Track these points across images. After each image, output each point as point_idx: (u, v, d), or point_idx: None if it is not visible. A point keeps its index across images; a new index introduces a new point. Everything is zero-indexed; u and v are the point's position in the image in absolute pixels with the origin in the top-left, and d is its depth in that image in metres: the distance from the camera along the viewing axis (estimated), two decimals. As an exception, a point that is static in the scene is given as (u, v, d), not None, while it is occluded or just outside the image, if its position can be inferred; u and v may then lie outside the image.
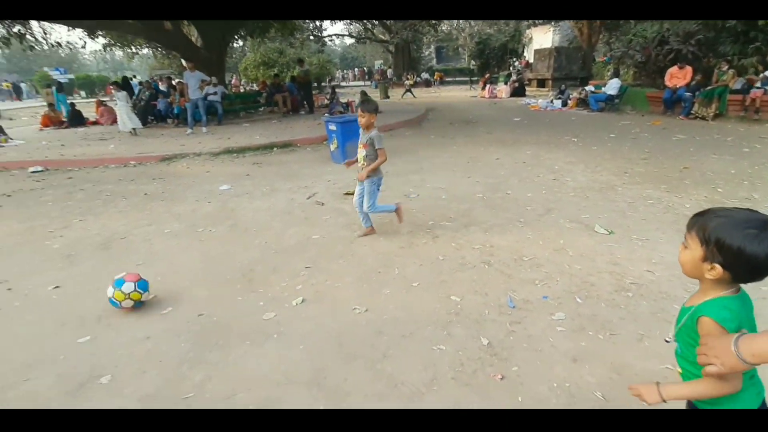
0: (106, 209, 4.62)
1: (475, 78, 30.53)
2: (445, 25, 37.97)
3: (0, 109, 13.49)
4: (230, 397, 1.78)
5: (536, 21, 28.14)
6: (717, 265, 0.88)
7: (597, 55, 24.67)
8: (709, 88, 9.16)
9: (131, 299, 2.38)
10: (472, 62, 36.71)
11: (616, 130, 8.21)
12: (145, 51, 22.70)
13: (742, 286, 0.93)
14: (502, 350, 2.00)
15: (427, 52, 48.67)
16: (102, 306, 2.53)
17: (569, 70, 21.47)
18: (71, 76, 32.79)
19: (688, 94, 9.44)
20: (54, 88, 13.41)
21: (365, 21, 34.95)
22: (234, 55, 29.59)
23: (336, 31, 36.45)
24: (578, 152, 6.44)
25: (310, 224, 3.88)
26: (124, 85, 13.48)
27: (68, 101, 13.09)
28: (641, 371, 1.83)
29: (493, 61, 32.99)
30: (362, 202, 3.36)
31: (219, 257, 3.25)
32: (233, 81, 26.70)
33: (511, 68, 25.73)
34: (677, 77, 9.86)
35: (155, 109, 11.99)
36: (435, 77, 31.39)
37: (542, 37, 32.66)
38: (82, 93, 32.25)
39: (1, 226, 4.18)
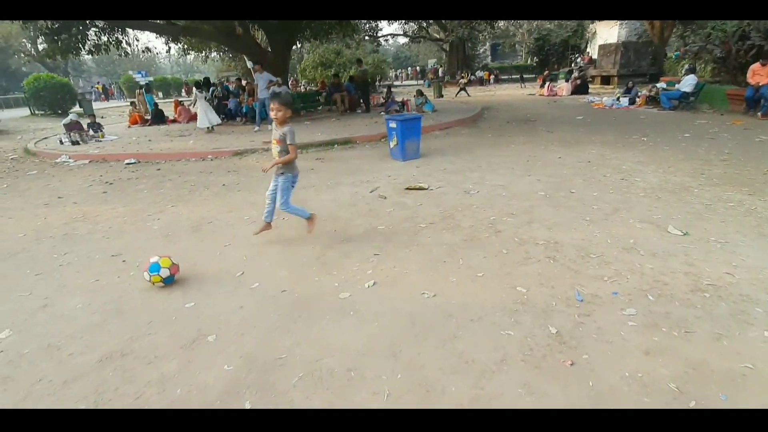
0: (192, 197, 5.15)
1: (529, 76, 29.50)
2: (501, 22, 37.02)
3: (94, 109, 15.19)
4: (317, 361, 2.01)
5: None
6: None
7: (668, 51, 22.91)
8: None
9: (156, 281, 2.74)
10: (533, 59, 35.48)
11: (691, 130, 7.67)
12: (214, 54, 24.33)
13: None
14: (571, 339, 2.07)
15: (482, 50, 47.67)
16: (200, 278, 2.90)
17: (637, 67, 20.19)
18: (151, 78, 35.93)
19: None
20: (143, 89, 14.87)
21: (420, 20, 34.98)
22: (293, 57, 30.94)
23: (391, 31, 36.66)
24: (648, 152, 6.13)
25: (375, 215, 4.10)
26: (207, 85, 14.69)
27: (153, 102, 14.48)
28: (718, 369, 1.82)
29: (552, 58, 31.70)
30: (275, 197, 3.36)
31: (294, 242, 3.55)
32: (291, 81, 27.90)
33: (572, 65, 24.52)
34: (760, 74, 8.97)
35: (226, 108, 12.91)
36: (485, 76, 30.64)
37: (607, 32, 30.81)
38: (160, 94, 35.22)
39: (109, 208, 4.81)
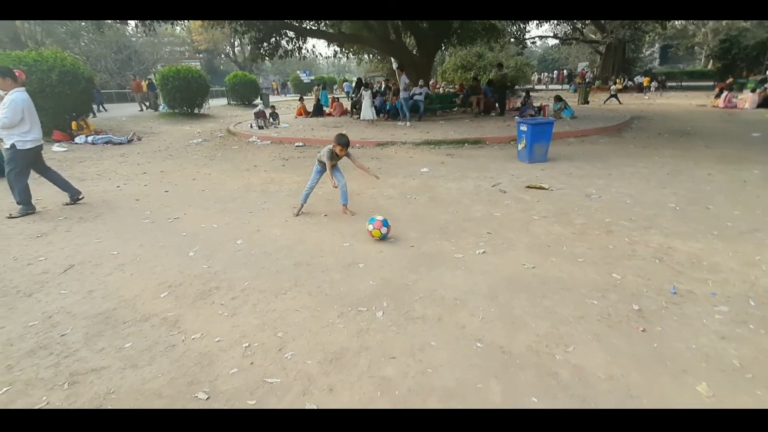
0: (346, 174, 6.40)
1: (706, 83, 25.06)
2: (678, 21, 32.08)
3: (270, 102, 18.74)
4: (433, 290, 2.76)
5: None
6: None
7: None
8: None
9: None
10: (715, 64, 30.02)
11: None
12: (365, 57, 27.01)
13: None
14: (651, 315, 2.39)
15: (648, 52, 42.05)
16: (353, 229, 3.93)
17: None
18: (312, 77, 41.48)
19: None
20: (320, 86, 17.91)
21: (575, 20, 32.62)
22: (435, 59, 32.19)
23: (540, 33, 35.02)
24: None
25: (493, 205, 4.65)
26: (359, 85, 16.84)
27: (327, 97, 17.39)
28: (798, 364, 1.97)
29: (741, 63, 26.37)
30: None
31: (422, 216, 4.36)
32: (432, 83, 29.16)
33: (767, 72, 20.21)
34: None
35: (373, 105, 14.60)
36: (645, 82, 27.00)
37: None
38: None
39: (287, 176, 6.38)
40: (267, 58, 14.06)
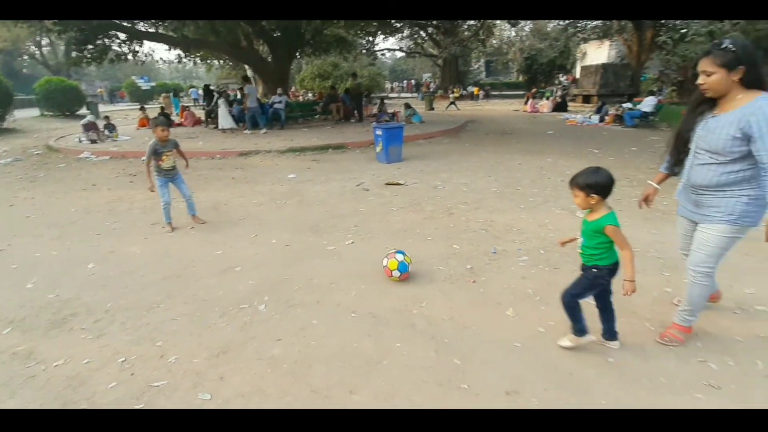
0: (207, 187, 6.16)
1: (519, 93, 30.99)
2: (495, 39, 38.76)
3: (100, 111, 16.23)
4: (310, 279, 3.04)
5: (590, 36, 28.40)
6: (594, 195, 1.94)
7: (650, 73, 24.44)
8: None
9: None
10: (523, 77, 37.19)
11: (640, 145, 8.86)
12: (215, 63, 25.50)
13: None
14: (479, 271, 3.12)
15: (476, 66, 49.46)
16: (224, 237, 3.92)
17: (616, 87, 21.56)
18: (153, 83, 37.00)
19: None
20: (171, 93, 16.07)
21: (416, 36, 36.57)
22: (292, 68, 32.25)
23: (387, 46, 38.23)
24: (594, 161, 7.24)
25: (357, 201, 5.15)
26: (207, 92, 15.78)
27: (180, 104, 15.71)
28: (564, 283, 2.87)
29: (540, 76, 33.32)
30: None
31: (294, 217, 4.58)
32: (292, 91, 29.15)
33: (556, 83, 26.01)
34: (710, 97, 10.26)
35: (230, 114, 13.98)
36: (475, 91, 32.07)
37: (595, 52, 32.52)
38: (161, 98, 36.26)
39: (139, 193, 5.81)
40: (97, 62, 12.21)
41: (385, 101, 18.13)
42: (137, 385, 1.95)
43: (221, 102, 12.54)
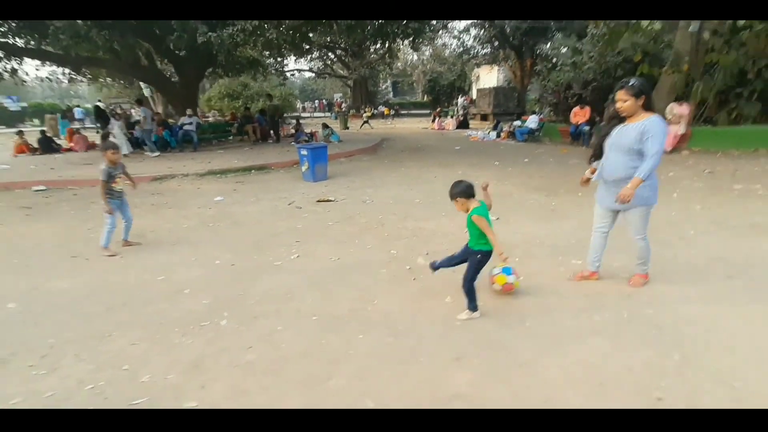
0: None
1: (425, 111, 33.46)
2: (399, 63, 41.33)
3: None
4: (266, 292, 3.21)
5: (481, 62, 31.92)
6: (460, 199, 2.54)
7: (533, 94, 28.18)
8: (602, 123, 11.71)
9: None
10: (427, 97, 40.16)
11: (531, 156, 10.36)
12: (106, 80, 23.26)
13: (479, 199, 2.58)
14: (417, 271, 3.58)
15: (384, 86, 51.94)
16: (160, 262, 3.85)
17: (506, 107, 24.49)
18: (24, 104, 32.19)
19: (587, 128, 11.97)
20: (59, 115, 14.20)
21: (325, 58, 37.40)
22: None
23: (298, 67, 38.46)
24: (496, 171, 8.38)
25: (293, 219, 5.35)
26: (99, 113, 14.40)
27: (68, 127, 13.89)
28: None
29: (443, 97, 36.30)
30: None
31: (231, 238, 4.63)
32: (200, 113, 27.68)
33: (454, 103, 28.68)
34: (579, 115, 12.41)
35: (132, 137, 12.96)
36: (385, 112, 33.79)
37: (487, 76, 36.48)
38: (35, 120, 31.66)
39: (45, 227, 5.28)
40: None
41: (300, 121, 18.35)
42: (116, 406, 1.98)
43: (116, 124, 11.37)
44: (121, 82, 24.23)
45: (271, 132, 14.80)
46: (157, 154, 10.86)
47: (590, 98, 13.00)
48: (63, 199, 7.00)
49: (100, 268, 3.85)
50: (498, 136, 15.44)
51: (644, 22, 8.08)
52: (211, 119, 19.92)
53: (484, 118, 25.26)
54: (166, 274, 3.64)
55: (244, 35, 8.76)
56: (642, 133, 2.72)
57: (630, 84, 2.79)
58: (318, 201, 6.30)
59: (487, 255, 2.76)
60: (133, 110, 16.28)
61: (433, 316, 2.81)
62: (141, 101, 12.83)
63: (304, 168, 8.04)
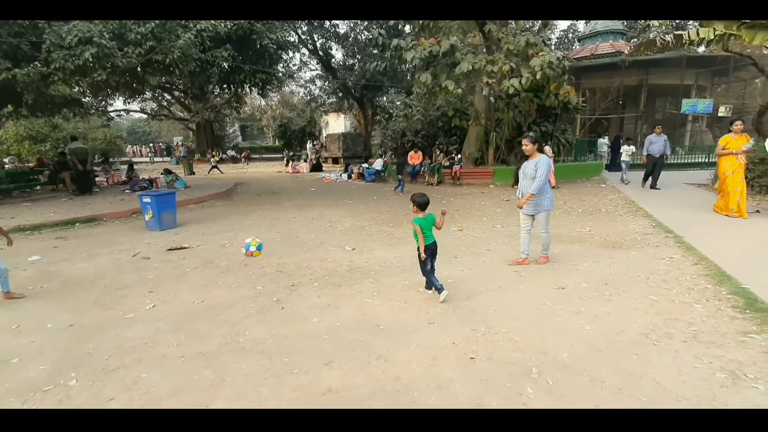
0: None
1: (277, 155, 33.75)
2: (247, 107, 40.91)
3: None
4: (120, 345, 3.01)
5: (329, 110, 34.23)
6: (415, 206, 3.35)
7: (376, 139, 31.30)
8: (432, 164, 13.99)
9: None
10: (279, 141, 40.44)
11: (378, 195, 11.65)
12: None
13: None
14: (284, 300, 3.84)
15: (231, 130, 50.24)
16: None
17: (354, 150, 26.66)
18: None
19: (421, 168, 14.14)
20: None
21: (160, 99, 34.52)
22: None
23: (127, 107, 34.25)
24: (349, 209, 9.21)
25: (142, 271, 4.95)
26: None
27: None
28: (353, 295, 3.95)
29: (295, 141, 37.24)
30: None
31: (64, 298, 4.06)
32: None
33: (308, 148, 29.88)
34: (414, 158, 14.58)
35: None
36: (243, 155, 33.05)
37: (335, 122, 39.06)
38: None
39: None
40: None
41: (134, 166, 16.43)
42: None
43: None
44: None
45: (66, 181, 12.22)
46: None
47: (421, 143, 15.47)
48: None
49: None
50: (349, 177, 16.75)
51: (450, 86, 10.32)
52: (8, 166, 16.18)
53: (335, 161, 26.89)
54: (-23, 348, 3.03)
55: (63, 74, 7.75)
56: (535, 166, 4.45)
57: (530, 135, 4.59)
58: (170, 249, 5.93)
59: (426, 248, 3.67)
60: None
61: (303, 335, 3.12)
62: None
63: (147, 217, 7.40)
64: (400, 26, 12.03)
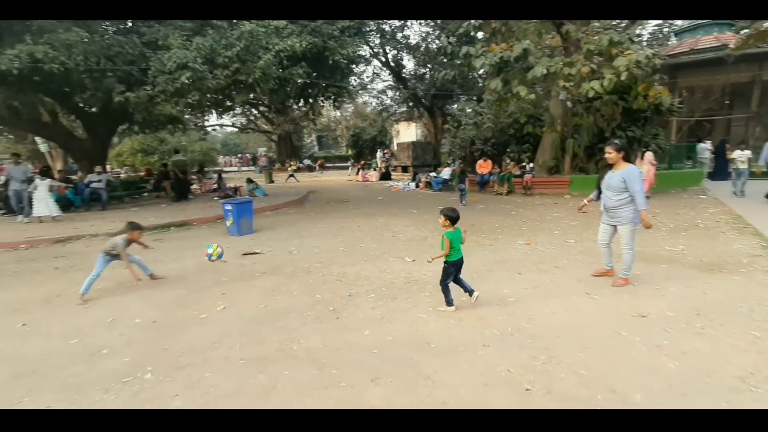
0: (24, 281, 5.38)
1: (348, 164, 34.95)
2: (323, 119, 43.13)
3: None
4: (190, 345, 3.29)
5: (399, 119, 34.77)
6: (444, 219, 3.37)
7: (445, 148, 30.99)
8: (501, 174, 13.45)
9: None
10: (351, 150, 42.01)
11: (444, 204, 11.43)
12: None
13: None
14: (340, 310, 3.92)
15: (308, 140, 53.28)
16: (80, 323, 3.72)
17: (424, 159, 26.62)
18: None
19: (491, 177, 13.65)
20: None
21: (248, 114, 37.80)
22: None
23: (219, 122, 38.07)
24: (414, 219, 9.18)
25: (219, 273, 5.40)
26: (46, 174, 12.95)
27: None
28: (406, 308, 3.91)
29: (366, 150, 38.32)
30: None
31: (151, 296, 4.57)
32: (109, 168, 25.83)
33: (378, 156, 30.52)
34: (483, 167, 14.14)
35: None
36: (317, 163, 34.88)
37: (406, 131, 39.43)
38: None
39: None
40: None
41: (223, 176, 18.13)
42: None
43: (42, 183, 9.90)
44: (10, 136, 22.06)
45: (167, 189, 13.82)
46: (26, 220, 9.57)
47: (491, 152, 14.95)
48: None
49: (8, 333, 3.58)
50: (417, 186, 16.75)
51: (522, 92, 9.84)
52: (123, 175, 18.82)
53: (404, 169, 27.09)
54: (80, 337, 3.53)
55: (165, 96, 8.88)
56: (623, 178, 3.98)
57: (614, 142, 4.12)
58: (244, 254, 6.40)
59: (452, 264, 3.71)
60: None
61: (353, 348, 3.15)
62: (16, 155, 11.33)
63: (228, 223, 8.08)
64: (471, 33, 11.81)
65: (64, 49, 7.79)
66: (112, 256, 4.77)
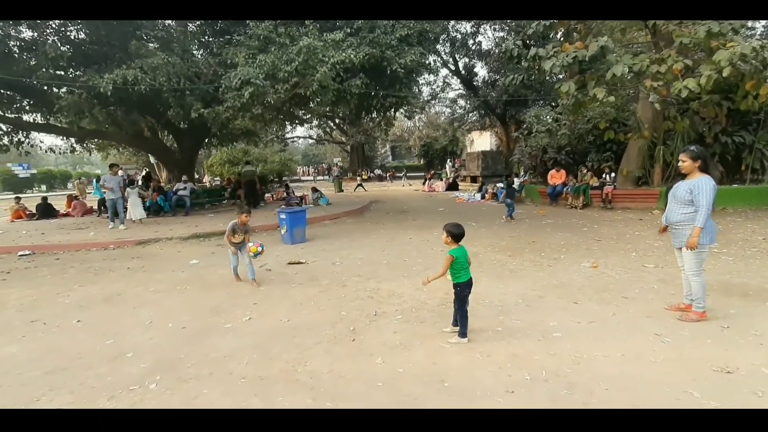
0: (99, 279, 5.98)
1: (419, 174, 34.76)
2: (396, 129, 43.70)
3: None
4: (205, 356, 3.28)
5: (472, 128, 33.79)
6: (446, 236, 3.01)
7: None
8: (576, 185, 12.20)
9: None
10: (422, 160, 41.95)
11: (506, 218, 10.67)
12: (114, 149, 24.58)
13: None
14: (360, 331, 3.67)
15: (383, 150, 54.35)
16: (114, 328, 3.96)
17: (495, 169, 25.44)
18: (34, 171, 33.68)
19: (563, 189, 12.46)
20: (94, 179, 15.68)
21: (324, 125, 39.68)
22: (200, 153, 32.28)
23: (298, 134, 40.59)
24: (469, 232, 8.52)
25: (259, 282, 5.49)
26: (148, 180, 15.27)
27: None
28: (433, 336, 3.54)
29: (436, 160, 37.88)
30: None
31: (193, 301, 4.75)
32: (206, 179, 28.92)
33: (447, 166, 29.90)
34: (555, 177, 12.98)
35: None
36: (388, 173, 35.34)
37: (479, 140, 38.21)
38: (43, 187, 32.92)
39: (15, 291, 5.43)
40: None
41: (290, 184, 19.06)
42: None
43: (132, 191, 11.53)
44: (130, 150, 25.67)
45: (241, 197, 14.74)
46: (123, 227, 10.75)
47: (565, 161, 13.68)
48: (44, 263, 7.20)
49: (53, 333, 3.94)
50: (483, 197, 15.96)
51: (599, 94, 8.79)
52: (208, 184, 20.73)
53: (473, 180, 26.16)
54: (116, 338, 3.73)
55: (233, 111, 9.55)
56: (691, 189, 3.39)
57: (690, 149, 3.53)
58: (289, 263, 6.48)
59: (462, 285, 3.37)
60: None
61: (358, 377, 2.87)
62: (113, 165, 12.99)
63: (282, 231, 8.32)
64: (547, 34, 10.96)
65: (150, 71, 8.76)
66: (236, 246, 5.38)
